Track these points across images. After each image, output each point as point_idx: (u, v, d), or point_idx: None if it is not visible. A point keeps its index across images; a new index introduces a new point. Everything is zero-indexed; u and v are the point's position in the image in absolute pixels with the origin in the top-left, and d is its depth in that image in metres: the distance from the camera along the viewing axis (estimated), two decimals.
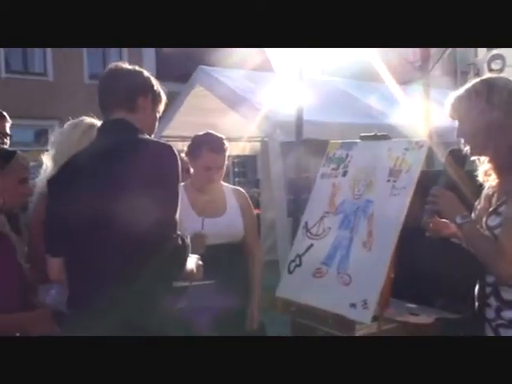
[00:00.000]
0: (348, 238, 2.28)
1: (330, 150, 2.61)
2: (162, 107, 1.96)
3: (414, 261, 2.38)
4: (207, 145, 2.65)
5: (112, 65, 1.92)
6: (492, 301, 1.81)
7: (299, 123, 5.28)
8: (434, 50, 7.30)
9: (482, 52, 12.29)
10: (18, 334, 1.94)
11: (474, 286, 1.90)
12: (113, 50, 14.97)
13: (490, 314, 1.82)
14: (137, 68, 1.90)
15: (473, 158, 1.91)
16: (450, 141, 2.16)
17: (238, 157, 10.72)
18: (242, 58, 7.82)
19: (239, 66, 7.77)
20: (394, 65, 7.01)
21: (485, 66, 11.24)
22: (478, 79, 1.92)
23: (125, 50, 14.84)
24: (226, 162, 2.75)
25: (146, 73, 1.91)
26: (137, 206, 1.62)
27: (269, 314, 2.69)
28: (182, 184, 2.50)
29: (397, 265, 2.18)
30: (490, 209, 1.83)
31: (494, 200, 1.85)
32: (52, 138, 2.53)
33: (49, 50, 14.51)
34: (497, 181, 1.87)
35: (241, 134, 6.65)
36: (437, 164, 3.35)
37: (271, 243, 6.46)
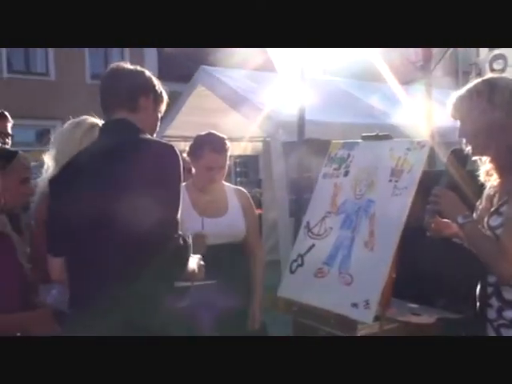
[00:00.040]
0: (350, 237, 2.28)
1: (331, 149, 2.62)
2: (163, 107, 1.96)
3: (416, 261, 2.38)
4: (209, 145, 2.65)
5: (113, 65, 1.92)
6: (493, 301, 1.81)
7: (301, 123, 5.27)
8: (435, 50, 7.29)
9: (483, 52, 12.27)
10: (18, 334, 1.94)
11: (476, 286, 1.90)
12: (115, 50, 14.98)
13: (492, 314, 1.82)
14: (138, 68, 1.90)
15: (474, 158, 1.91)
16: (451, 141, 2.16)
17: (239, 157, 10.72)
18: (244, 57, 7.81)
19: (241, 65, 7.76)
20: (396, 65, 7.01)
21: (487, 65, 11.23)
22: (479, 79, 1.92)
23: (127, 50, 14.87)
24: (228, 162, 2.75)
25: (147, 73, 1.91)
26: (138, 205, 1.62)
27: (270, 314, 2.69)
28: (184, 184, 2.50)
29: (398, 265, 2.18)
30: (492, 209, 1.83)
31: (495, 200, 1.85)
32: (53, 137, 2.53)
33: (51, 49, 14.54)
34: (498, 181, 1.86)
35: (243, 134, 6.64)
36: (439, 164, 3.35)
37: (273, 243, 6.46)
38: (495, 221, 1.79)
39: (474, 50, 13.46)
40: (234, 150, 6.86)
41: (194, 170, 2.74)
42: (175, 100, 6.95)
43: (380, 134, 2.47)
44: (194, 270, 1.90)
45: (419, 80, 7.24)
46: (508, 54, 10.86)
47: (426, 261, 2.41)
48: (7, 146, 3.02)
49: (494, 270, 1.77)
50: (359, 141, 2.53)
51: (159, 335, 1.61)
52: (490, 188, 1.90)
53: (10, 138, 3.29)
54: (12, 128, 3.35)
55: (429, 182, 1.98)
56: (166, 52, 14.60)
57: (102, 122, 2.25)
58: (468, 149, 1.88)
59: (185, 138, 5.82)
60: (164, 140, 2.18)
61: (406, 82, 7.54)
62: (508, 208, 1.75)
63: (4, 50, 14.22)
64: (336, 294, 2.21)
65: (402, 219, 2.12)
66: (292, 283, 2.44)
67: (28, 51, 14.74)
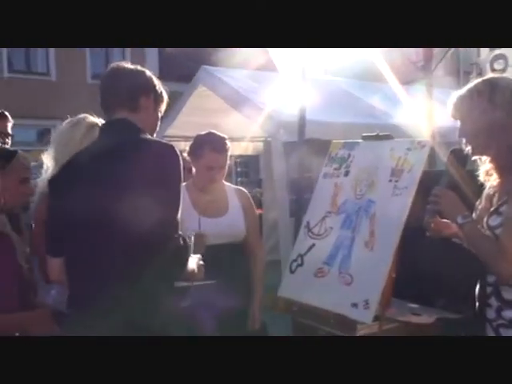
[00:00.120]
0: (350, 237, 2.28)
1: (332, 149, 2.62)
2: (163, 107, 1.96)
3: (416, 261, 2.38)
4: (209, 144, 2.65)
5: (114, 64, 1.92)
6: (493, 301, 1.81)
7: (302, 123, 5.27)
8: (436, 50, 7.28)
9: (484, 52, 12.27)
10: (17, 334, 1.94)
11: (475, 286, 1.90)
12: (116, 50, 14.99)
13: (491, 314, 1.82)
14: (139, 68, 1.90)
15: (474, 158, 1.91)
16: (452, 141, 2.16)
17: (240, 157, 10.73)
18: (245, 57, 7.81)
19: (242, 65, 7.76)
20: (397, 65, 7.00)
21: (487, 65, 11.23)
22: (480, 79, 1.91)
23: (128, 50, 14.87)
24: (228, 162, 2.75)
25: (148, 72, 1.91)
26: (138, 205, 1.62)
27: (270, 314, 2.69)
28: (184, 184, 2.50)
29: (398, 265, 2.18)
30: (491, 209, 1.83)
31: (495, 200, 1.85)
32: (52, 137, 2.52)
33: (51, 49, 14.55)
34: (498, 180, 1.86)
35: (243, 133, 6.64)
36: (439, 164, 3.35)
37: (273, 243, 6.45)
38: (495, 220, 1.79)
39: (474, 49, 13.45)
40: (235, 149, 6.86)
41: (194, 170, 2.74)
42: (176, 100, 6.94)
43: (380, 133, 2.47)
44: (193, 270, 1.90)
45: (420, 80, 7.24)
46: (509, 54, 10.86)
47: (425, 261, 2.41)
48: (7, 146, 3.02)
49: (494, 270, 1.77)
50: (360, 141, 2.53)
51: (160, 335, 1.61)
52: (489, 188, 1.90)
53: (10, 137, 3.29)
54: (12, 128, 3.35)
55: (429, 182, 1.98)
56: (166, 52, 14.60)
57: (101, 120, 2.26)
58: (468, 149, 1.88)
59: (186, 138, 5.81)
60: (165, 140, 2.19)
61: (407, 81, 7.54)
62: (507, 208, 1.75)
63: (5, 50, 14.22)
64: (336, 293, 2.21)
65: (402, 219, 2.12)
66: (292, 283, 2.44)
67: (29, 51, 14.74)
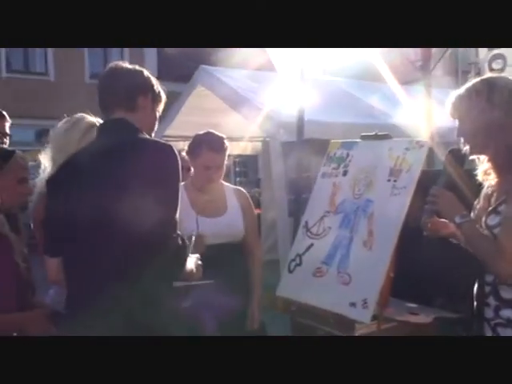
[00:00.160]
0: (348, 237, 2.28)
1: (330, 149, 2.62)
2: (161, 107, 1.96)
3: (414, 260, 2.38)
4: (207, 144, 2.65)
5: (112, 64, 1.92)
6: (491, 300, 1.81)
7: (300, 123, 5.27)
8: (435, 50, 7.29)
9: (483, 52, 12.28)
10: (15, 334, 1.94)
11: (473, 286, 1.90)
12: (114, 50, 14.98)
13: (489, 313, 1.82)
14: (137, 67, 1.90)
15: (472, 157, 1.91)
16: (450, 140, 2.16)
17: (239, 156, 10.72)
18: (244, 57, 7.81)
19: (241, 65, 7.76)
20: (396, 64, 7.01)
21: (486, 65, 11.23)
22: (478, 78, 1.91)
23: (126, 50, 14.86)
24: (227, 162, 2.74)
25: (146, 72, 1.91)
26: (137, 205, 1.62)
27: (269, 314, 2.69)
28: (183, 183, 2.50)
29: (397, 264, 2.18)
30: (490, 208, 1.83)
31: (493, 199, 1.85)
32: (50, 136, 2.51)
33: (50, 49, 14.54)
34: (496, 180, 1.87)
35: (242, 133, 6.64)
36: (437, 164, 3.35)
37: (272, 243, 6.46)
38: (493, 220, 1.79)
39: (473, 49, 13.46)
40: (234, 149, 6.87)
41: (192, 170, 2.74)
42: (175, 100, 6.94)
43: (379, 133, 2.47)
44: (192, 270, 1.90)
45: (419, 80, 7.25)
46: (507, 54, 10.87)
47: (423, 260, 2.41)
48: (5, 146, 3.01)
49: (492, 269, 1.77)
50: (358, 140, 2.53)
51: (160, 335, 1.61)
52: (487, 187, 1.90)
53: (7, 137, 3.28)
54: (11, 128, 3.33)
55: (427, 182, 1.98)
56: (165, 52, 14.60)
57: (99, 119, 2.25)
58: (466, 148, 1.88)
59: (184, 138, 5.80)
60: (163, 140, 2.18)
61: (406, 81, 7.54)
62: (506, 207, 1.75)
63: (3, 50, 14.21)
64: (334, 293, 2.21)
65: (401, 219, 2.12)
66: (290, 283, 2.44)
67: (27, 51, 14.73)
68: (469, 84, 1.89)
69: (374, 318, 2.11)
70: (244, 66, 7.73)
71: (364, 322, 2.08)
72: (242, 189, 2.91)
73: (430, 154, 2.62)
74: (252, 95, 6.34)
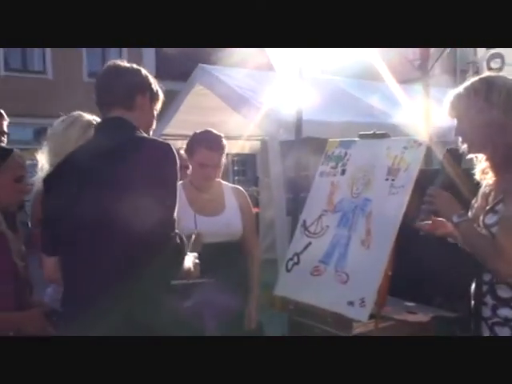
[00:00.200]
0: (346, 236, 2.28)
1: (328, 148, 2.61)
2: (159, 105, 1.96)
3: (412, 259, 2.38)
4: (203, 142, 2.65)
5: (110, 63, 1.91)
6: (488, 299, 1.82)
7: (299, 122, 5.27)
8: (433, 49, 7.29)
9: (481, 51, 12.27)
10: (11, 334, 1.94)
11: (471, 285, 1.91)
12: (112, 48, 14.94)
13: (486, 312, 1.82)
14: (135, 66, 1.90)
15: (470, 156, 1.91)
16: (449, 140, 2.16)
17: (237, 155, 10.72)
18: (243, 56, 7.80)
19: (239, 64, 7.75)
20: (394, 64, 7.00)
21: (484, 64, 11.24)
22: (477, 77, 1.92)
23: (124, 49, 14.82)
24: (224, 161, 2.74)
25: (143, 71, 1.90)
26: (135, 204, 1.62)
27: (267, 313, 2.69)
28: (181, 182, 2.50)
29: (395, 263, 2.18)
30: (487, 207, 1.83)
31: (490, 198, 1.85)
32: (48, 135, 2.51)
33: (48, 48, 14.50)
34: (494, 179, 1.87)
35: (241, 132, 6.64)
36: (435, 163, 3.35)
37: (270, 242, 6.46)
38: (491, 219, 1.79)
39: (471, 48, 13.45)
40: (232, 148, 6.87)
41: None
42: (174, 99, 6.94)
43: (377, 132, 2.47)
44: (189, 269, 1.90)
45: (417, 79, 7.25)
46: (505, 53, 10.87)
47: (422, 259, 2.41)
48: (3, 145, 3.01)
49: (491, 269, 1.77)
50: (356, 139, 2.53)
51: (158, 335, 1.60)
52: (485, 186, 1.90)
53: (5, 136, 3.27)
54: (9, 126, 3.33)
55: (425, 181, 1.98)
56: (164, 51, 14.57)
57: (96, 117, 2.25)
58: (464, 147, 1.88)
59: (183, 137, 5.79)
60: (162, 138, 2.18)
61: (404, 80, 7.54)
62: (503, 206, 1.75)
63: (1, 49, 14.17)
64: (332, 292, 2.21)
65: (399, 218, 2.12)
66: (288, 282, 2.44)
67: (25, 49, 14.68)
68: (467, 83, 1.89)
69: (372, 316, 2.11)
70: (243, 65, 7.72)
71: (362, 320, 2.08)
72: (241, 187, 2.91)
73: (428, 153, 2.61)
74: (250, 94, 6.34)
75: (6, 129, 3.30)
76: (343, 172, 2.46)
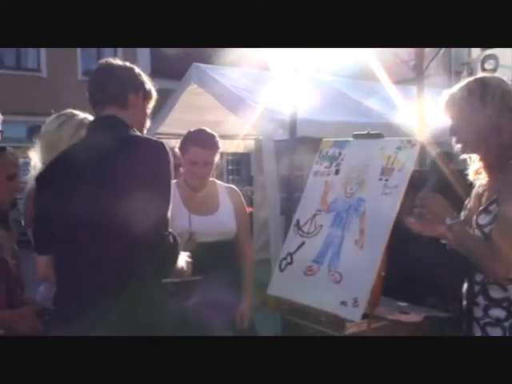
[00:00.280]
0: (340, 236, 2.28)
1: (322, 147, 2.61)
2: (152, 104, 1.95)
3: (406, 259, 2.38)
4: (194, 140, 2.65)
5: (103, 61, 1.91)
6: (480, 299, 1.82)
7: (293, 121, 5.27)
8: (428, 50, 7.30)
9: (475, 52, 12.33)
10: (2, 332, 1.93)
11: (463, 285, 1.91)
12: None
13: (478, 312, 1.82)
14: (128, 64, 1.89)
15: (463, 157, 1.92)
16: (443, 140, 2.17)
17: (231, 155, 10.71)
18: (238, 56, 7.80)
19: (235, 64, 7.75)
20: (389, 64, 7.01)
21: (478, 65, 11.28)
22: (472, 78, 1.92)
23: None
24: (217, 160, 2.73)
25: (136, 69, 1.90)
26: (128, 203, 1.61)
27: (261, 312, 2.69)
28: (175, 181, 2.49)
29: (388, 263, 2.18)
30: (481, 207, 1.83)
31: (484, 199, 1.86)
32: (41, 132, 2.49)
33: None
34: (487, 179, 1.87)
35: (236, 131, 6.63)
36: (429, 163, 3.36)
37: (264, 241, 6.45)
38: (484, 219, 1.79)
39: (466, 49, 13.52)
40: (227, 147, 6.86)
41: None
42: (168, 97, 6.92)
43: (371, 132, 2.47)
44: (182, 268, 1.90)
45: (412, 79, 7.26)
46: (499, 55, 10.92)
47: (415, 259, 2.42)
48: None
49: (487, 270, 1.77)
50: (350, 139, 2.52)
51: (152, 334, 1.60)
52: (478, 187, 1.91)
53: None
54: (2, 124, 3.31)
55: (419, 181, 1.98)
56: (158, 49, 14.53)
57: (87, 115, 2.24)
58: (458, 147, 1.88)
59: (177, 136, 5.78)
60: (156, 137, 2.17)
61: (399, 81, 7.56)
62: (497, 207, 1.76)
63: None
64: (325, 292, 2.20)
65: (392, 218, 2.12)
66: (281, 281, 2.43)
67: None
68: (462, 83, 1.90)
69: (365, 316, 2.11)
70: (238, 65, 7.72)
71: (354, 320, 2.08)
72: (235, 187, 2.91)
73: (422, 154, 2.62)
74: (245, 93, 6.33)
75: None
76: (337, 172, 2.46)
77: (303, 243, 2.42)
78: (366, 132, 2.47)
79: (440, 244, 2.02)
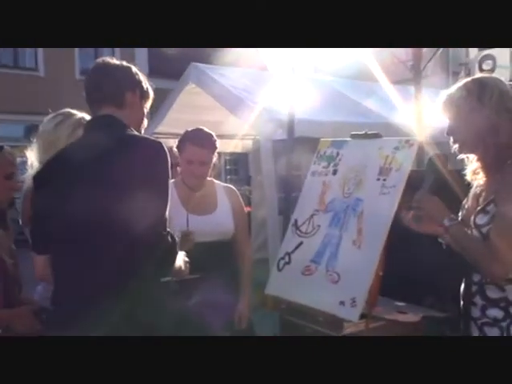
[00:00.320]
0: (337, 236, 2.28)
1: (320, 147, 2.61)
2: (149, 103, 1.95)
3: (404, 259, 2.39)
4: (191, 138, 2.65)
5: (99, 60, 1.90)
6: (478, 299, 1.82)
7: (291, 121, 5.27)
8: (426, 50, 7.31)
9: (473, 53, 12.35)
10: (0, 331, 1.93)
11: (461, 285, 1.91)
12: None
13: (476, 312, 1.83)
14: (125, 63, 1.89)
15: (461, 157, 1.92)
16: (440, 140, 2.17)
17: (229, 154, 10.71)
18: (236, 56, 7.80)
19: (233, 63, 7.75)
20: (387, 64, 7.02)
21: (476, 66, 11.30)
22: (469, 78, 1.92)
23: None
24: (215, 160, 2.73)
25: (133, 68, 1.89)
26: (126, 202, 1.61)
27: (259, 312, 2.68)
28: (172, 181, 2.49)
29: (386, 263, 2.18)
30: (478, 207, 1.84)
31: (481, 199, 1.86)
32: (39, 131, 2.49)
33: None
34: (485, 179, 1.87)
35: (234, 131, 6.63)
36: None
37: (262, 241, 6.46)
38: (481, 219, 1.80)
39: (463, 50, 13.53)
40: (225, 147, 6.85)
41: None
42: (166, 97, 6.91)
43: (369, 132, 2.47)
44: (180, 267, 1.90)
45: (409, 79, 7.27)
46: (497, 55, 10.94)
47: (413, 259, 2.42)
48: None
49: (486, 271, 1.77)
50: (348, 139, 2.52)
51: (155, 333, 1.60)
52: (476, 187, 1.91)
53: None
54: (0, 123, 3.31)
55: (417, 181, 1.98)
56: (156, 49, 14.53)
57: (84, 114, 2.24)
58: (455, 147, 1.89)
59: (175, 135, 5.77)
60: (154, 137, 2.17)
61: (397, 81, 7.57)
62: (495, 207, 1.76)
63: None
64: (323, 291, 2.20)
65: (390, 218, 2.12)
66: (279, 281, 2.43)
67: None
68: (460, 83, 1.90)
69: (363, 316, 2.12)
70: (236, 65, 7.71)
71: (352, 320, 2.08)
72: (233, 187, 2.90)
73: (420, 154, 2.62)
74: (244, 93, 6.32)
75: None
76: (335, 172, 2.46)
77: (301, 243, 2.42)
78: (363, 132, 2.47)
79: (438, 244, 2.03)
